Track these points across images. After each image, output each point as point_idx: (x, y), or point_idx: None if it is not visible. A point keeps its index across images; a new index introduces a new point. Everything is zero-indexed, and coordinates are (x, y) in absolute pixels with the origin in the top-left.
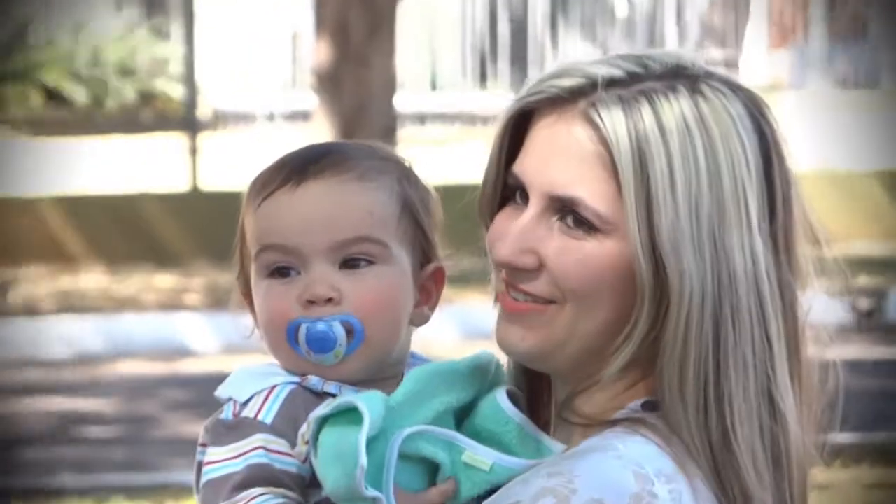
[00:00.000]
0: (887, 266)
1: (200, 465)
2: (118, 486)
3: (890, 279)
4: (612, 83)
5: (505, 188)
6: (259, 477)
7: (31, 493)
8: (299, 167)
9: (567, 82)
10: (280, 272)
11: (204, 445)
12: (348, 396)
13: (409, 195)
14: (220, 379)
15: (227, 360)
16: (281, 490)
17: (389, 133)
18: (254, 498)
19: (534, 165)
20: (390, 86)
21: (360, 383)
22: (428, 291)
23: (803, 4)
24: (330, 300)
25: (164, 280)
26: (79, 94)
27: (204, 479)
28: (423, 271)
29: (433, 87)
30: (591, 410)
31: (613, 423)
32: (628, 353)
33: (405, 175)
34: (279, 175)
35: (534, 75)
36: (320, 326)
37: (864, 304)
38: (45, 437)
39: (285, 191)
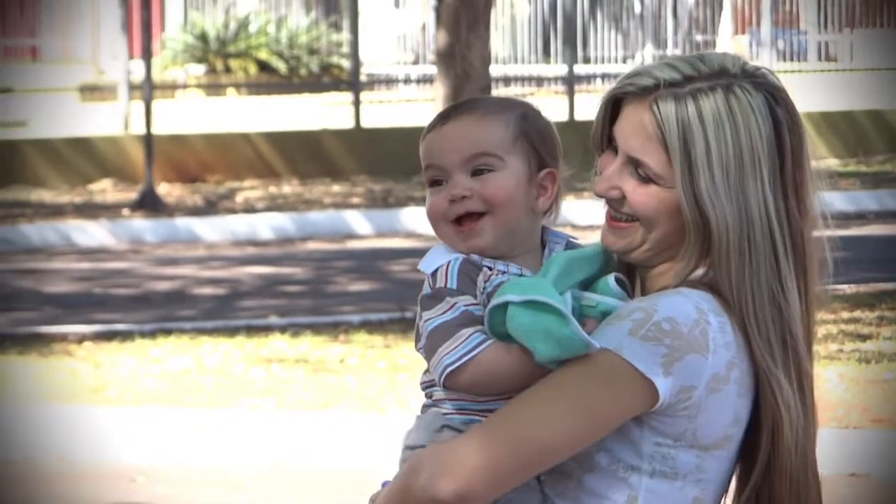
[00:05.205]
0: None
1: (418, 328)
2: (307, 324)
3: None
4: (671, 84)
5: (609, 137)
6: (465, 319)
7: (252, 329)
8: (445, 113)
9: (643, 81)
10: (436, 182)
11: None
12: (531, 288)
13: (525, 126)
14: (375, 253)
15: (379, 241)
16: (478, 326)
17: (485, 92)
18: (471, 335)
19: (621, 134)
20: (485, 60)
21: (504, 256)
22: (544, 187)
23: (756, 3)
24: (464, 197)
25: (337, 188)
26: (281, 67)
27: (427, 331)
28: (538, 175)
29: (514, 60)
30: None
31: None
32: (690, 259)
33: (523, 113)
34: (434, 120)
35: (580, 53)
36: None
37: None
38: (257, 291)
39: (436, 129)
